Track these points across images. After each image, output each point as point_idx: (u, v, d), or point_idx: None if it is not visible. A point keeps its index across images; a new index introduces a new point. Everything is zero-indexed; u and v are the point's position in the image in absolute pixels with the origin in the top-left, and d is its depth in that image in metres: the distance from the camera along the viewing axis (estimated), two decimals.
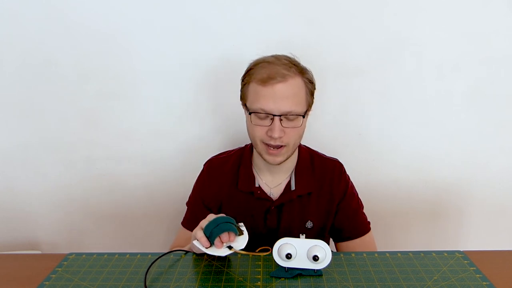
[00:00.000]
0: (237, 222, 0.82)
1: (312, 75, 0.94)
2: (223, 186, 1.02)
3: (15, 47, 1.21)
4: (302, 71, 0.90)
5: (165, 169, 1.36)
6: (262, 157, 0.94)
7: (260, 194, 0.99)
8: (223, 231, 0.77)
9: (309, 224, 1.00)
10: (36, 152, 1.33)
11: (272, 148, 0.90)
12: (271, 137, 0.88)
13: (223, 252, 0.76)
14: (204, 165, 1.07)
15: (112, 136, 1.32)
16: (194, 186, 1.08)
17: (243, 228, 0.81)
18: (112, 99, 1.27)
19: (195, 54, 1.23)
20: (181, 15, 1.19)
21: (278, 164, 0.93)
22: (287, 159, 0.93)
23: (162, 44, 1.22)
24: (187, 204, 1.09)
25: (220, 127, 1.32)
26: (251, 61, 0.93)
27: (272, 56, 0.91)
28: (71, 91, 1.26)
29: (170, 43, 1.22)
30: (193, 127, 1.32)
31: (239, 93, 0.95)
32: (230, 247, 0.76)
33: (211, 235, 0.77)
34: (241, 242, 0.78)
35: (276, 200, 0.99)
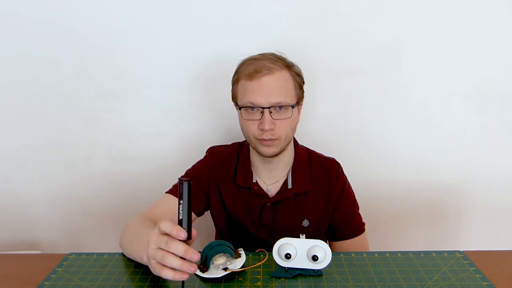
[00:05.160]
0: (236, 247, 0.82)
1: (300, 70, 0.95)
2: (221, 178, 1.02)
3: (15, 47, 1.21)
4: (288, 65, 0.92)
5: (165, 169, 1.36)
6: (257, 151, 0.94)
7: (257, 190, 0.99)
8: (217, 252, 0.78)
9: (305, 223, 1.00)
10: (36, 152, 1.33)
11: (265, 140, 0.90)
12: (262, 130, 0.88)
13: (219, 274, 0.75)
14: (207, 152, 1.07)
15: (112, 136, 1.32)
16: (194, 166, 1.05)
17: (241, 252, 0.81)
18: (112, 99, 1.27)
19: (194, 54, 1.23)
20: (180, 15, 1.19)
21: (273, 156, 0.93)
22: (281, 151, 0.93)
23: (162, 44, 1.22)
24: (181, 177, 1.01)
25: (220, 126, 1.32)
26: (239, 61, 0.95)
27: (259, 54, 0.93)
28: (71, 91, 1.26)
29: (170, 43, 1.22)
30: (193, 127, 1.32)
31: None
32: (225, 269, 0.75)
33: (206, 259, 0.78)
34: (237, 263, 0.77)
35: (273, 197, 0.99)
